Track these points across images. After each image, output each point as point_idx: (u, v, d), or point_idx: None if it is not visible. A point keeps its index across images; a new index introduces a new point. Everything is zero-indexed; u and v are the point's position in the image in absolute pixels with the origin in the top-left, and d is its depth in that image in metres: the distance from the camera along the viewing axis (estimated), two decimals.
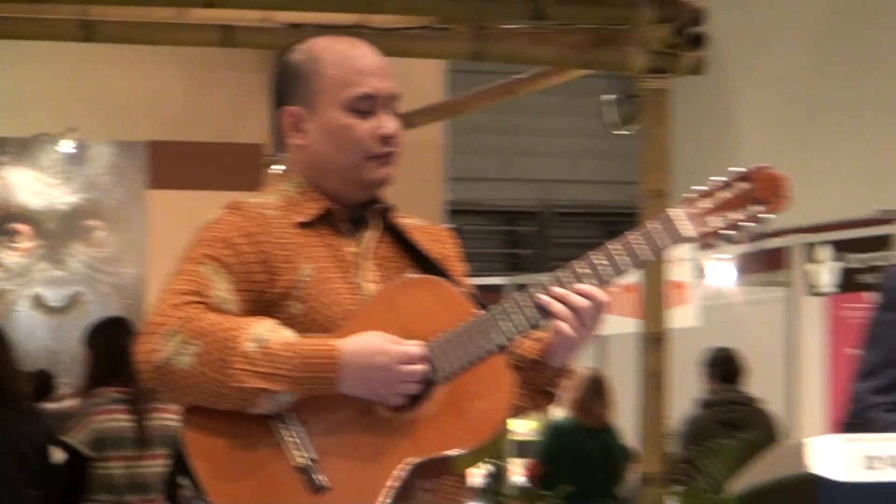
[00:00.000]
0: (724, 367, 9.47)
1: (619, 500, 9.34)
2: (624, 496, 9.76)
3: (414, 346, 3.02)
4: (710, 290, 11.71)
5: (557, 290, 3.06)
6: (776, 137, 16.77)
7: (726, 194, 3.11)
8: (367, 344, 3.01)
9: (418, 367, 3.00)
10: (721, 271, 12.18)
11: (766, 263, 12.39)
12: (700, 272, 11.05)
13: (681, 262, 10.27)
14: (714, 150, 15.79)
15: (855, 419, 3.72)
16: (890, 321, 3.74)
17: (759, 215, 3.12)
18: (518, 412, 3.14)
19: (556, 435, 9.48)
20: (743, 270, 12.39)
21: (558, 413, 9.83)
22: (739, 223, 3.11)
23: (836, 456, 3.12)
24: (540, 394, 3.19)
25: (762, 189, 3.11)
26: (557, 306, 3.05)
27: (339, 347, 3.00)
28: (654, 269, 7.64)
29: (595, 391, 9.49)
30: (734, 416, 9.15)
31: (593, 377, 9.70)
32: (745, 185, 3.12)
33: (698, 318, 10.47)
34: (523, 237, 19.04)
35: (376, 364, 2.99)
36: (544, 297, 3.06)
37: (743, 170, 3.13)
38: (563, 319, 3.05)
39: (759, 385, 12.16)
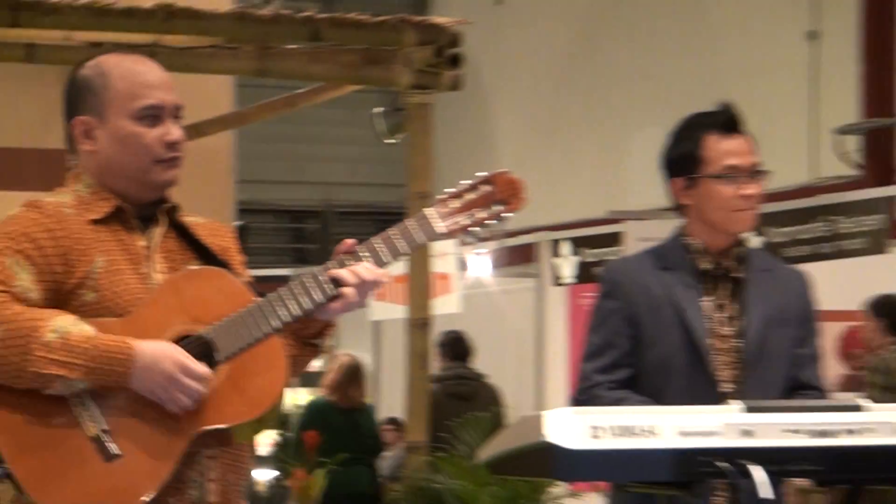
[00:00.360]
0: (454, 347, 9.59)
1: (372, 468, 9.41)
2: (389, 464, 9.86)
3: (202, 367, 3.03)
4: (470, 281, 11.80)
5: (347, 267, 3.11)
6: (526, 146, 16.97)
7: (472, 195, 3.18)
8: (160, 349, 3.02)
9: (197, 385, 3.01)
10: (479, 264, 12.29)
11: (518, 257, 12.53)
12: (462, 264, 11.13)
13: (445, 256, 10.36)
14: (473, 157, 15.90)
15: (582, 395, 3.75)
16: (609, 308, 3.78)
17: (501, 214, 3.20)
18: (290, 366, 3.15)
19: (310, 412, 9.55)
20: (498, 263, 12.52)
21: (318, 393, 9.89)
22: (484, 221, 3.18)
23: (566, 426, 3.14)
24: (306, 346, 3.22)
25: (502, 191, 3.18)
26: (347, 275, 3.09)
27: (134, 347, 3.01)
28: (420, 261, 7.71)
29: (351, 376, 9.53)
30: (463, 389, 9.28)
31: (350, 364, 9.75)
32: (488, 188, 3.19)
33: (460, 305, 10.56)
34: (308, 234, 19.07)
35: (162, 369, 3.00)
36: (337, 271, 3.10)
37: (486, 174, 3.20)
38: (350, 286, 3.09)
39: (513, 363, 12.33)
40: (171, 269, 3.15)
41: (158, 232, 3.19)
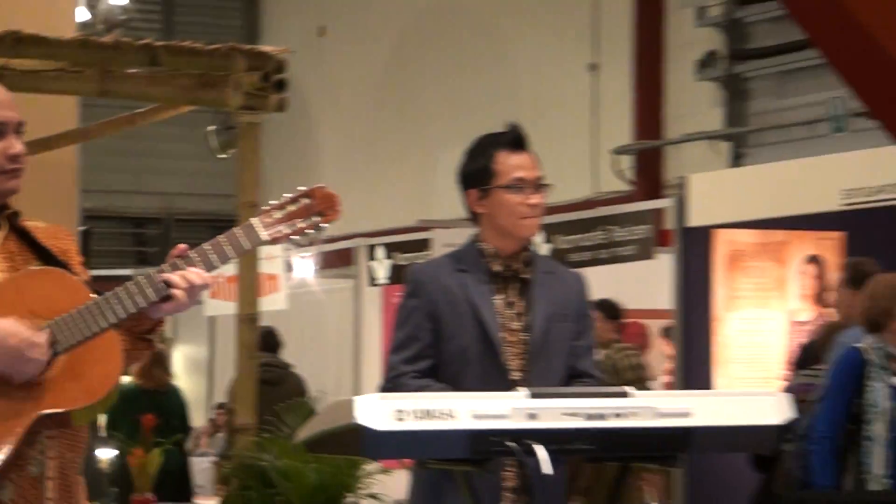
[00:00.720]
0: (265, 340, 9.53)
1: (180, 446, 9.25)
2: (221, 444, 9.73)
3: (42, 336, 2.97)
4: (295, 281, 11.73)
5: (178, 271, 3.09)
6: (347, 162, 16.98)
7: (293, 207, 3.18)
8: (3, 326, 2.95)
9: (40, 356, 2.96)
10: (304, 266, 12.22)
11: (338, 260, 12.49)
12: (288, 266, 11.06)
13: (272, 259, 10.29)
14: (299, 171, 15.86)
15: (389, 383, 3.74)
16: (413, 306, 3.77)
17: (319, 224, 3.20)
18: (125, 358, 3.12)
19: (120, 396, 9.33)
20: (321, 266, 12.46)
21: (126, 378, 9.70)
22: (304, 230, 3.18)
23: (374, 410, 3.15)
24: (139, 340, 3.18)
25: (320, 203, 3.18)
26: (178, 279, 3.06)
27: None
28: (248, 263, 7.67)
29: (155, 360, 9.39)
30: (270, 375, 9.21)
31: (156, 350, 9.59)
32: (307, 200, 3.18)
33: (286, 302, 10.50)
34: (149, 238, 18.90)
35: (9, 345, 2.94)
36: (168, 275, 3.07)
37: (306, 189, 3.19)
38: (180, 289, 3.06)
39: (334, 354, 12.28)
40: (13, 269, 3.08)
41: (0, 235, 3.12)
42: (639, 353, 9.26)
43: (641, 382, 8.62)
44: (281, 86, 7.54)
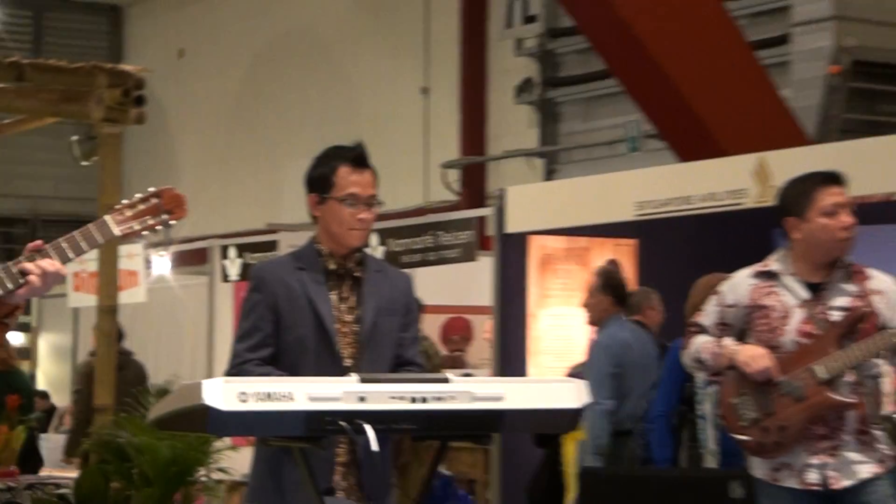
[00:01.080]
0: None
1: (26, 421, 8.99)
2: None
3: None
4: (154, 277, 11.53)
5: (34, 261, 3.06)
6: (203, 170, 16.79)
7: (143, 206, 3.15)
8: None
9: None
10: (162, 263, 12.01)
11: (194, 258, 12.31)
12: (147, 263, 10.88)
13: (132, 256, 10.12)
14: (159, 177, 15.49)
15: (234, 369, 3.68)
16: (256, 300, 3.72)
17: (168, 221, 3.17)
18: None
19: None
20: (178, 263, 12.26)
21: None
22: (153, 226, 3.16)
23: (220, 392, 3.12)
24: None
25: (168, 203, 3.16)
26: (31, 267, 3.03)
27: None
28: (109, 259, 7.61)
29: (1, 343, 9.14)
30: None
31: None
32: (156, 200, 3.16)
33: (145, 296, 10.34)
34: (17, 238, 18.45)
35: None
36: (24, 265, 3.04)
37: (155, 189, 3.16)
38: (34, 275, 3.03)
39: (189, 344, 12.09)
40: None
41: None
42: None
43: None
44: (140, 101, 7.48)
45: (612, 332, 6.46)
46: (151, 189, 3.16)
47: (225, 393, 3.11)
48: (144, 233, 3.15)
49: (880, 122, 9.65)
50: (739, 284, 4.15)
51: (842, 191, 4.07)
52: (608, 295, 6.51)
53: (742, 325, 4.13)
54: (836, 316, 4.02)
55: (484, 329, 9.75)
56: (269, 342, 3.69)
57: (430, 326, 9.73)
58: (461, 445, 7.82)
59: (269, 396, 3.15)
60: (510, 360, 7.55)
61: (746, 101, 9.18)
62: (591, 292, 6.56)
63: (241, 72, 16.55)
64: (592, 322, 6.63)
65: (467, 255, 9.30)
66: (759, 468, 4.11)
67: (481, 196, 13.10)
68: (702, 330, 4.19)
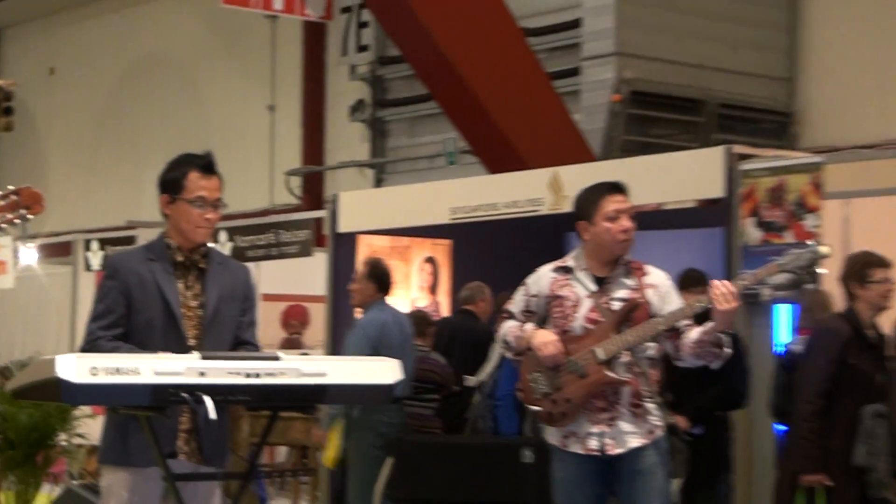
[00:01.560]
0: None
1: None
2: None
3: None
4: (22, 266, 11.13)
5: None
6: (71, 173, 16.35)
7: (2, 202, 3.02)
8: None
9: None
10: (30, 254, 11.61)
11: (60, 250, 11.93)
12: (15, 254, 10.52)
13: (1, 248, 9.77)
14: (29, 179, 14.87)
15: (88, 345, 3.59)
16: (109, 286, 3.64)
17: (26, 216, 3.06)
18: None
19: None
20: (46, 254, 11.87)
21: None
22: (12, 220, 3.06)
23: (72, 366, 3.05)
24: None
25: (26, 199, 3.07)
26: None
27: None
28: None
29: None
30: None
31: None
32: (15, 197, 3.06)
33: (13, 283, 9.96)
34: None
35: None
36: None
37: (14, 188, 3.05)
38: None
39: (54, 328, 11.70)
40: None
41: None
42: None
43: None
44: (8, 111, 7.22)
45: (373, 315, 6.43)
46: (10, 188, 3.05)
47: (77, 367, 3.05)
48: (3, 226, 3.02)
49: (653, 143, 9.92)
50: (542, 277, 4.20)
51: (623, 198, 4.14)
52: (373, 282, 6.47)
53: (544, 312, 4.18)
54: (616, 305, 4.09)
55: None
56: (121, 323, 3.60)
57: (273, 313, 9.63)
58: (293, 415, 7.72)
59: (117, 371, 3.09)
60: (341, 342, 7.50)
61: (544, 123, 9.36)
62: (358, 279, 6.52)
63: (107, 88, 16.17)
64: (358, 305, 6.59)
65: (305, 251, 9.24)
66: (552, 436, 4.16)
67: (319, 200, 13.02)
68: (511, 316, 4.23)
